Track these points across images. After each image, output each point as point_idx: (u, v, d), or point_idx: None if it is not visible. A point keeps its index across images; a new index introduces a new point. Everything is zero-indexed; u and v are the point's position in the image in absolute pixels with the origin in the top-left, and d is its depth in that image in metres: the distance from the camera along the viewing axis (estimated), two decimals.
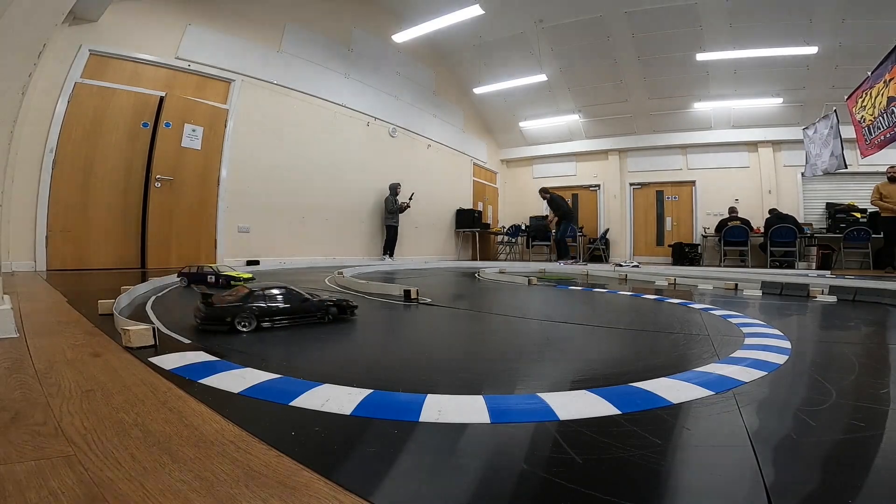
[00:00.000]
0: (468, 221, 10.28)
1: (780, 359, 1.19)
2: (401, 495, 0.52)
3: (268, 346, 1.35)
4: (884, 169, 6.86)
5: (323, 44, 7.24)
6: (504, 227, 11.40)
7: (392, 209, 7.93)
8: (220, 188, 5.79)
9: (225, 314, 1.49)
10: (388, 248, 8.06)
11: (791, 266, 7.88)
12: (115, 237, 4.93)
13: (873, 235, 7.53)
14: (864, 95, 5.62)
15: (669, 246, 9.98)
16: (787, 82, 8.37)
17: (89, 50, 4.69)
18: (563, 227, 8.88)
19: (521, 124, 11.39)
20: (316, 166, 7.09)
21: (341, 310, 1.78)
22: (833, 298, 2.81)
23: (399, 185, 8.10)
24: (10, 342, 1.26)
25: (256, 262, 5.93)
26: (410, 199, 8.29)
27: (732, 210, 9.08)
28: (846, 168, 6.70)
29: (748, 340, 1.45)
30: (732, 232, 8.58)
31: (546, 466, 0.59)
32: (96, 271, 4.49)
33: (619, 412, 0.79)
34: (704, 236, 9.76)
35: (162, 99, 5.18)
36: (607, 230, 10.83)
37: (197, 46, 5.56)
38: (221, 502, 0.49)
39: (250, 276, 3.17)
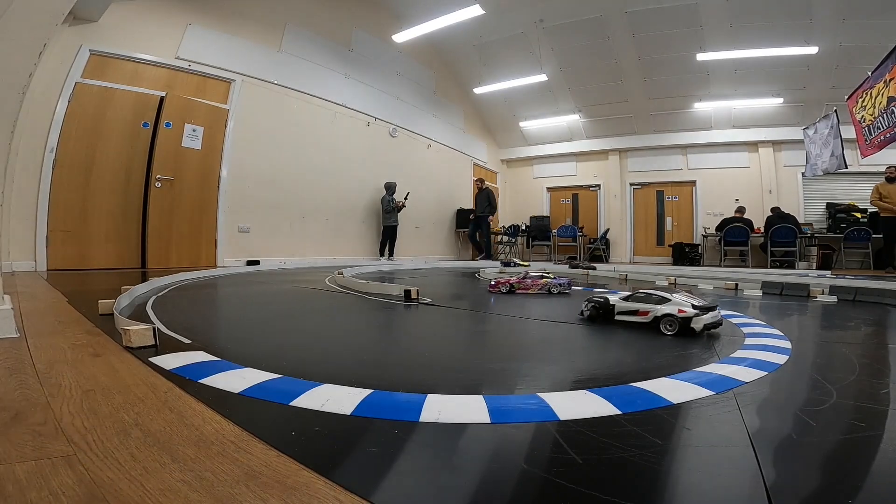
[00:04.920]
0: (468, 221, 10.28)
1: (781, 359, 1.19)
2: (401, 495, 0.52)
3: None
4: (884, 169, 6.85)
5: (323, 44, 7.24)
6: (504, 227, 11.40)
7: (388, 208, 7.93)
8: (221, 188, 5.79)
9: None
10: (388, 248, 8.04)
11: (791, 266, 7.87)
12: (116, 237, 4.93)
13: (873, 235, 7.53)
14: (864, 95, 5.62)
15: (670, 246, 9.97)
16: (787, 82, 8.36)
17: (89, 50, 4.69)
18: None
19: (522, 124, 11.39)
20: (316, 166, 7.09)
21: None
22: (833, 298, 2.81)
23: (395, 183, 8.09)
24: (11, 342, 1.26)
25: (257, 263, 5.93)
26: (405, 198, 8.28)
27: (740, 210, 9.05)
28: (846, 168, 6.71)
29: (748, 340, 1.45)
30: (733, 232, 8.57)
31: (546, 466, 0.59)
32: (96, 271, 4.50)
33: (619, 412, 0.79)
34: (705, 236, 9.76)
35: (162, 99, 5.18)
36: (607, 230, 10.83)
37: (197, 46, 5.56)
38: (221, 502, 0.49)
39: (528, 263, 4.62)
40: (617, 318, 1.82)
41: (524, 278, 3.00)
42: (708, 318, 1.56)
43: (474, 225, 9.62)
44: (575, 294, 2.96)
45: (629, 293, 1.88)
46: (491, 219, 9.37)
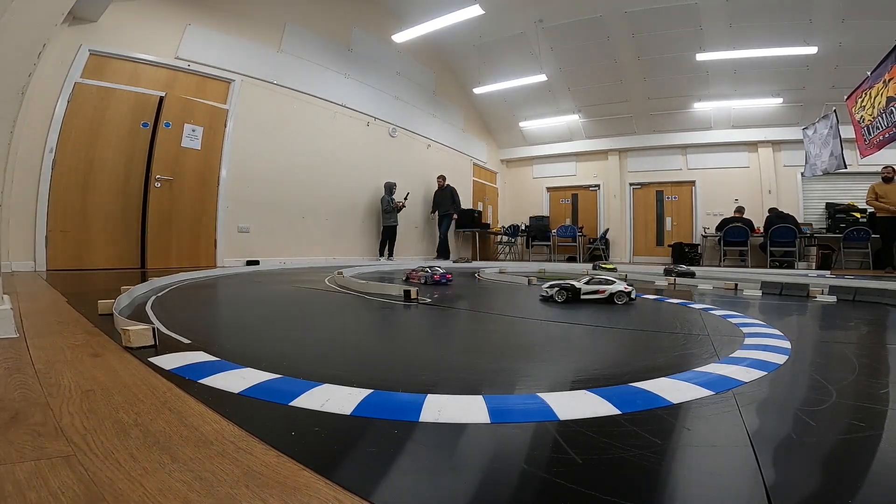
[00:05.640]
0: (468, 221, 10.28)
1: (780, 359, 1.19)
2: (401, 495, 0.52)
3: None
4: (880, 169, 6.86)
5: (323, 44, 7.24)
6: (504, 227, 11.40)
7: (388, 209, 7.93)
8: (220, 188, 5.79)
9: None
10: (388, 248, 8.04)
11: (791, 266, 7.88)
12: (115, 237, 4.93)
13: (873, 235, 7.53)
14: (863, 95, 5.62)
15: (669, 246, 9.98)
16: (787, 82, 8.37)
17: (89, 50, 4.69)
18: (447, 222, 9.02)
19: (521, 124, 11.40)
20: (316, 166, 7.09)
21: None
22: (833, 298, 2.81)
23: (395, 184, 8.09)
24: (10, 342, 1.26)
25: (256, 263, 5.93)
26: (405, 198, 8.30)
27: (739, 210, 9.07)
28: (846, 168, 6.71)
29: (748, 340, 1.45)
30: (732, 232, 8.58)
31: (546, 466, 0.59)
32: (96, 271, 4.49)
33: (619, 412, 0.79)
34: (704, 236, 9.77)
35: (162, 99, 5.17)
36: (607, 230, 10.83)
37: (197, 46, 5.56)
38: (221, 502, 0.49)
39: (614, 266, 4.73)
40: (583, 297, 2.49)
41: (414, 270, 3.79)
42: (634, 292, 2.51)
43: (441, 223, 9.15)
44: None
45: (588, 279, 2.57)
46: (456, 217, 9.08)
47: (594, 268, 4.75)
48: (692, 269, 4.77)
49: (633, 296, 2.50)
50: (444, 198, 9.01)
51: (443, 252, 9.02)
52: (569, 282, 2.54)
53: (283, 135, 6.60)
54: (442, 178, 9.16)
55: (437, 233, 9.18)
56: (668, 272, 4.50)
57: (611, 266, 4.81)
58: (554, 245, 11.06)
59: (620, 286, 2.48)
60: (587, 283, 2.53)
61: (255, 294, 2.89)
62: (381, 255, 8.05)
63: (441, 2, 7.14)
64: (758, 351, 1.28)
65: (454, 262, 5.86)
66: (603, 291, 2.47)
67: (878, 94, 5.28)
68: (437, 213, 9.16)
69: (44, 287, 2.87)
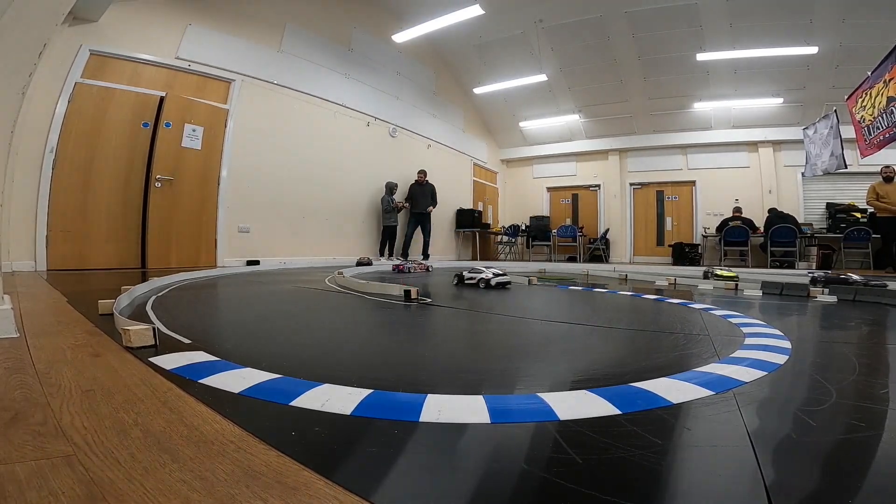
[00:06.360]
0: (468, 221, 10.29)
1: (781, 359, 1.19)
2: (401, 495, 0.52)
3: None
4: (879, 169, 6.86)
5: (323, 44, 7.24)
6: (504, 227, 11.40)
7: (388, 208, 7.93)
8: (221, 188, 5.79)
9: None
10: (388, 248, 8.04)
11: (791, 266, 7.87)
12: (116, 237, 4.94)
13: (873, 235, 7.53)
14: (863, 95, 5.62)
15: (670, 246, 9.97)
16: (787, 82, 8.36)
17: (89, 50, 4.69)
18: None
19: (522, 124, 11.40)
20: (316, 166, 7.09)
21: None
22: (833, 298, 2.81)
23: (396, 184, 8.10)
24: (11, 342, 1.26)
25: (256, 263, 5.93)
26: (406, 199, 8.29)
27: (737, 210, 9.08)
28: (846, 168, 6.70)
29: (748, 340, 1.45)
30: (733, 232, 8.58)
31: (546, 466, 0.59)
32: (96, 271, 4.50)
33: (619, 412, 0.79)
34: (705, 236, 9.76)
35: (162, 99, 5.18)
36: (607, 230, 10.83)
37: (197, 46, 5.56)
38: (221, 502, 0.49)
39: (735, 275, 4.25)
40: (465, 282, 3.40)
41: (401, 264, 5.37)
42: (498, 279, 3.24)
43: (415, 223, 8.49)
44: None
45: (470, 269, 3.49)
46: (430, 209, 8.60)
47: (705, 276, 4.12)
48: (853, 275, 3.21)
49: (502, 281, 3.23)
50: (424, 195, 8.50)
51: (423, 248, 8.60)
52: (462, 272, 3.50)
53: (283, 135, 6.60)
54: (422, 172, 8.59)
55: (422, 230, 8.71)
56: (816, 281, 3.26)
57: (732, 274, 4.07)
58: (554, 245, 11.05)
59: (488, 274, 3.28)
60: (468, 271, 3.45)
61: (255, 294, 2.89)
62: (382, 254, 8.05)
63: (441, 2, 7.14)
64: (758, 351, 1.28)
65: (357, 263, 5.81)
66: (473, 279, 3.34)
67: (878, 94, 5.28)
68: (411, 208, 8.56)
69: (44, 287, 2.87)
